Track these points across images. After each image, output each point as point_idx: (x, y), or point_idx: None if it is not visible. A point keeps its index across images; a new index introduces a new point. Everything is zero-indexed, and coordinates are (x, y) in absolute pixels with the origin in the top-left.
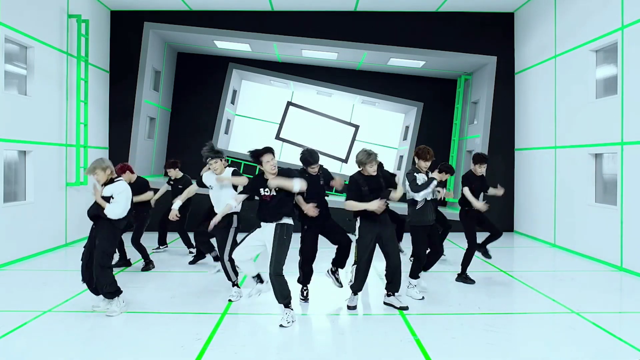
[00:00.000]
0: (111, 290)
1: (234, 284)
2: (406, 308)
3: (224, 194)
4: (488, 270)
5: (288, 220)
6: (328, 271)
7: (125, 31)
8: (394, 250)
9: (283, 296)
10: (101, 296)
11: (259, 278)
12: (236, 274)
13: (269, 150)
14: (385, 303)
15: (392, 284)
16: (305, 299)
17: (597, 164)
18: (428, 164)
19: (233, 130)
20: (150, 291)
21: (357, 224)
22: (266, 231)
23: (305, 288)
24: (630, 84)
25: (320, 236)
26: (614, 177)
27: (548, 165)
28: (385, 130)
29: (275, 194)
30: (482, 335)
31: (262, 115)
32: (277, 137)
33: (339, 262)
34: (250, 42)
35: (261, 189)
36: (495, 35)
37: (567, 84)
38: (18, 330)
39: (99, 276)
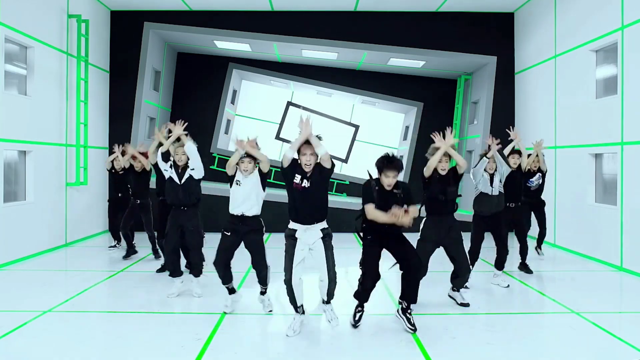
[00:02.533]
0: (200, 269)
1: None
2: (467, 305)
3: (250, 193)
4: (488, 270)
5: (326, 224)
6: (398, 311)
7: (125, 31)
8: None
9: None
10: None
11: (302, 309)
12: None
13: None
14: (449, 295)
15: (457, 280)
16: (355, 324)
17: (597, 164)
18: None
19: (233, 130)
20: (150, 291)
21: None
22: (310, 239)
23: (359, 309)
24: (630, 84)
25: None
26: (614, 177)
27: (548, 165)
28: (385, 130)
29: (308, 185)
30: (482, 335)
31: (262, 115)
32: (277, 137)
33: (406, 295)
34: (250, 42)
35: (296, 174)
36: (495, 35)
37: (567, 84)
38: (18, 330)
39: (198, 256)
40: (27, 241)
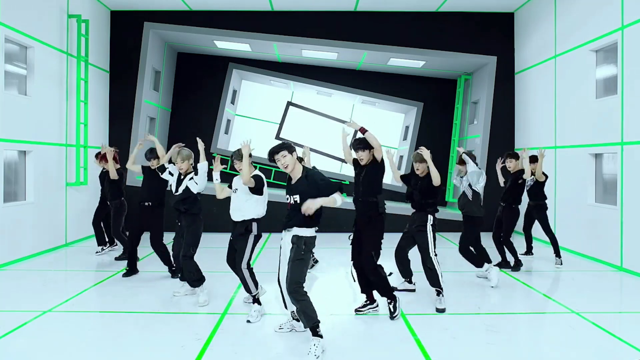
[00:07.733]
0: (195, 279)
1: (255, 299)
2: (442, 311)
3: (247, 201)
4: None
5: (308, 232)
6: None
7: (125, 31)
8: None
9: (309, 318)
10: (185, 284)
11: (294, 314)
12: (256, 285)
13: (282, 147)
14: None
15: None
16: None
17: (597, 164)
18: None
19: (233, 130)
20: (150, 291)
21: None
22: (284, 242)
23: (368, 301)
24: (630, 84)
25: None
26: (614, 177)
27: (548, 165)
28: (385, 130)
29: (298, 199)
30: (482, 335)
31: (262, 115)
32: (277, 137)
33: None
34: (250, 42)
35: (287, 195)
36: (495, 35)
37: (567, 84)
38: (18, 330)
39: (185, 266)
40: (27, 241)
